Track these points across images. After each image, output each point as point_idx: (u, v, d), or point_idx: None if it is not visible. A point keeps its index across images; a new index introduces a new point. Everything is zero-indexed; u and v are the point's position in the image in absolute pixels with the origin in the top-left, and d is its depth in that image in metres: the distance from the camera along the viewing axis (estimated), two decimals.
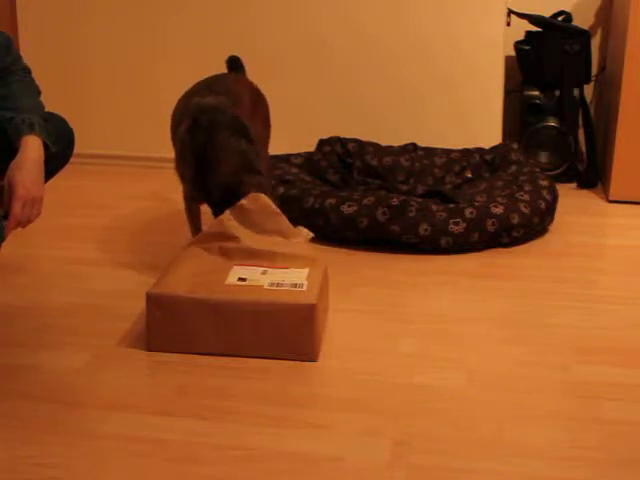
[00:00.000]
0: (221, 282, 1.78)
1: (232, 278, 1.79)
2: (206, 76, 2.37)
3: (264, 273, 1.81)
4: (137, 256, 2.36)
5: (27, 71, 1.94)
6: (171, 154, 3.38)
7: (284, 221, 1.93)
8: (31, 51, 3.35)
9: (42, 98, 1.94)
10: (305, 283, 1.77)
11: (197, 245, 1.93)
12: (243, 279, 1.79)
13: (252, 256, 1.88)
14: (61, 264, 2.29)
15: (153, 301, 1.74)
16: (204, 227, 2.19)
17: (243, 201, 1.91)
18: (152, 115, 3.40)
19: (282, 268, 1.84)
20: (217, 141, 2.03)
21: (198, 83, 2.32)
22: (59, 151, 1.97)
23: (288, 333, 1.70)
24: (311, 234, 2.00)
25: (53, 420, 1.48)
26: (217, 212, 2.00)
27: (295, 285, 1.76)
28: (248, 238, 1.89)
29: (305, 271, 1.83)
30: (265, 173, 2.07)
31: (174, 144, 2.18)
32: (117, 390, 1.59)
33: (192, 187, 2.09)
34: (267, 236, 1.91)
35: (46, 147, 1.84)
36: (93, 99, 3.43)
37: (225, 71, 2.49)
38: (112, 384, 1.62)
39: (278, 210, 1.93)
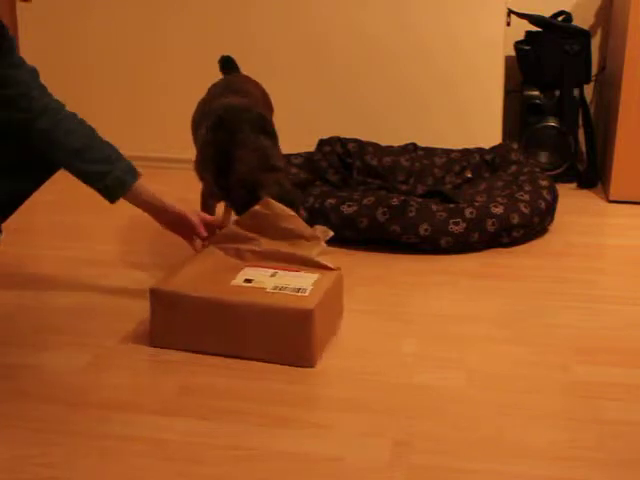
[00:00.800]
0: (226, 282, 1.77)
1: (239, 279, 1.78)
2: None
3: (273, 275, 1.80)
4: (137, 256, 2.36)
5: (69, 113, 1.91)
6: (171, 154, 3.40)
7: (300, 223, 1.91)
8: (31, 51, 3.35)
9: None
10: (309, 288, 1.74)
11: (214, 244, 1.93)
12: (249, 280, 1.78)
13: (267, 258, 1.87)
14: (62, 264, 2.29)
15: (155, 297, 1.75)
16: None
17: (256, 207, 1.90)
18: (152, 115, 3.40)
19: (293, 271, 1.82)
20: (237, 139, 2.02)
21: (215, 86, 2.31)
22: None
23: (285, 337, 1.68)
24: (330, 232, 1.97)
25: (53, 420, 1.48)
26: (239, 212, 1.99)
27: (298, 289, 1.73)
28: (265, 242, 1.89)
29: (315, 276, 1.80)
30: (285, 170, 2.06)
31: (196, 146, 2.18)
32: (117, 390, 1.59)
33: (214, 185, 2.08)
34: (284, 240, 1.89)
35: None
36: (93, 99, 3.43)
37: (218, 71, 2.48)
38: (113, 384, 1.62)
39: (292, 212, 1.91)
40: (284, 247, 1.88)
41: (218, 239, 1.93)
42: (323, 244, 1.92)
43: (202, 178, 2.15)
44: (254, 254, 1.88)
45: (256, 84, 2.39)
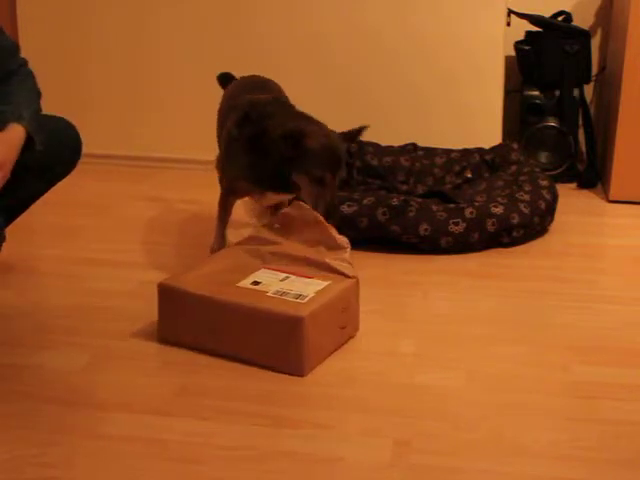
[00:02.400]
0: (232, 283, 1.76)
1: (247, 281, 1.78)
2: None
3: (284, 280, 1.78)
4: (137, 256, 2.36)
5: (30, 74, 1.99)
6: (172, 154, 3.40)
7: (327, 230, 1.86)
8: (31, 50, 3.33)
9: (43, 97, 1.95)
10: (310, 295, 1.70)
11: (239, 245, 1.94)
12: (257, 283, 1.77)
13: (287, 262, 1.85)
14: (61, 264, 2.29)
15: (162, 292, 1.78)
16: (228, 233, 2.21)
17: (287, 209, 1.89)
18: (152, 115, 3.40)
19: (306, 277, 1.79)
20: (267, 124, 1.99)
21: (239, 85, 2.31)
22: (65, 157, 2.01)
23: (275, 343, 1.67)
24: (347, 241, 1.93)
25: (53, 420, 1.48)
26: (288, 168, 1.93)
27: (298, 296, 1.70)
28: (288, 245, 1.87)
29: (325, 283, 1.76)
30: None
31: (220, 144, 2.18)
32: (117, 390, 1.59)
33: (242, 177, 2.06)
34: (309, 246, 1.86)
35: (32, 142, 1.88)
36: (93, 99, 3.43)
37: (213, 85, 2.47)
38: (112, 384, 1.62)
39: (321, 218, 1.86)
40: (307, 252, 1.85)
41: (246, 239, 1.93)
42: (347, 254, 1.86)
43: (225, 173, 2.14)
44: (275, 256, 1.86)
45: (273, 83, 2.40)
